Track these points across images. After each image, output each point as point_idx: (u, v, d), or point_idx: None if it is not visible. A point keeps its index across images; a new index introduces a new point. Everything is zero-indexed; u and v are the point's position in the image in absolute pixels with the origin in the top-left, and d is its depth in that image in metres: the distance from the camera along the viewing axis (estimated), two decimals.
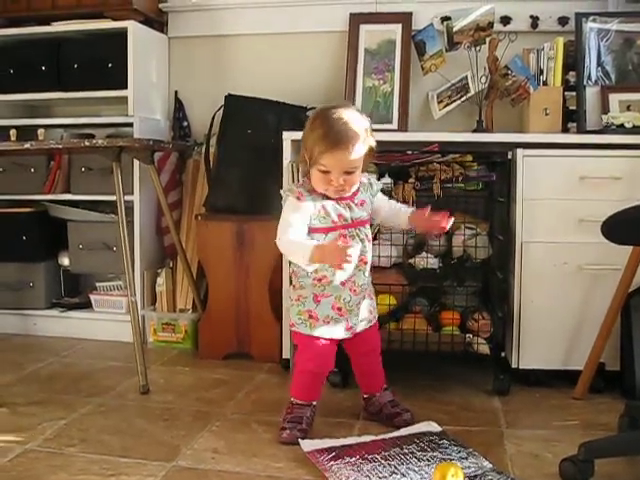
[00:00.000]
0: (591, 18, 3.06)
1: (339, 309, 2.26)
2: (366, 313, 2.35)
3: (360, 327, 2.33)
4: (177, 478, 1.95)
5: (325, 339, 2.26)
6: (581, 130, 2.99)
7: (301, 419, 2.25)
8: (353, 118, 2.14)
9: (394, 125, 3.20)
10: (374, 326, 2.41)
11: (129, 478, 1.94)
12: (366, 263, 2.27)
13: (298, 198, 2.19)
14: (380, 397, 2.41)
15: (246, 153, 3.15)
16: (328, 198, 2.21)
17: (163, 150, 3.38)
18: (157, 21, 3.62)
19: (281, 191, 2.28)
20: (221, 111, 3.27)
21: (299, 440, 2.18)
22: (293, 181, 2.82)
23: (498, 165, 2.72)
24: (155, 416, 2.44)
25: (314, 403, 2.32)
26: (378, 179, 2.71)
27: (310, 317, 2.26)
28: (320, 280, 2.24)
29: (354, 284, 2.26)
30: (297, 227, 2.18)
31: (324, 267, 2.21)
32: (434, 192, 2.68)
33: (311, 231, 2.21)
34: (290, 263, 2.34)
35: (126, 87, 3.37)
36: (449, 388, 2.75)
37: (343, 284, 2.24)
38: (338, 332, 2.28)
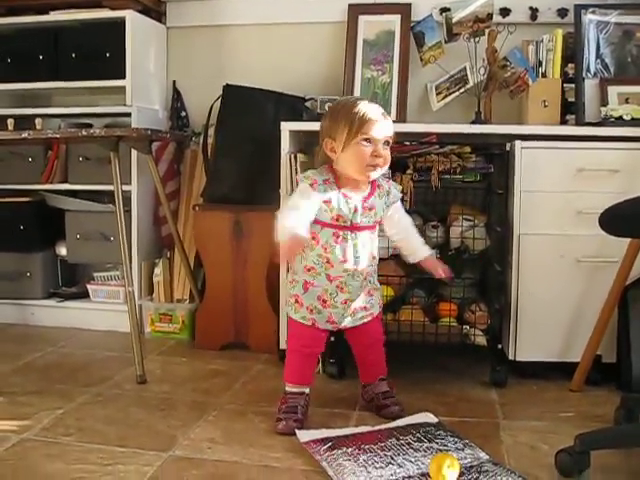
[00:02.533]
0: (590, 10, 3.05)
1: (324, 301, 2.27)
2: (359, 310, 2.34)
3: (349, 324, 2.34)
4: (173, 468, 1.95)
5: (306, 325, 2.28)
6: (579, 122, 2.98)
7: (296, 409, 2.25)
8: None
9: (392, 116, 3.19)
10: (375, 318, 2.40)
11: (125, 468, 1.94)
12: (356, 269, 2.26)
13: (312, 185, 2.20)
14: (375, 387, 2.41)
15: (244, 143, 3.14)
16: (341, 191, 2.23)
17: (161, 140, 3.37)
18: (155, 11, 3.61)
19: (297, 175, 2.33)
20: (219, 101, 3.26)
21: (295, 430, 2.18)
22: (291, 172, 2.82)
23: (496, 157, 2.72)
24: (152, 406, 2.45)
25: (307, 391, 2.32)
26: None
27: (296, 302, 2.29)
28: (309, 270, 2.26)
29: (341, 283, 2.26)
30: (300, 210, 2.17)
31: (316, 261, 2.24)
32: (432, 183, 2.68)
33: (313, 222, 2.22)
34: None
35: (124, 77, 3.36)
36: (446, 379, 2.75)
37: (330, 280, 2.25)
38: (319, 322, 2.29)
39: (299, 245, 2.13)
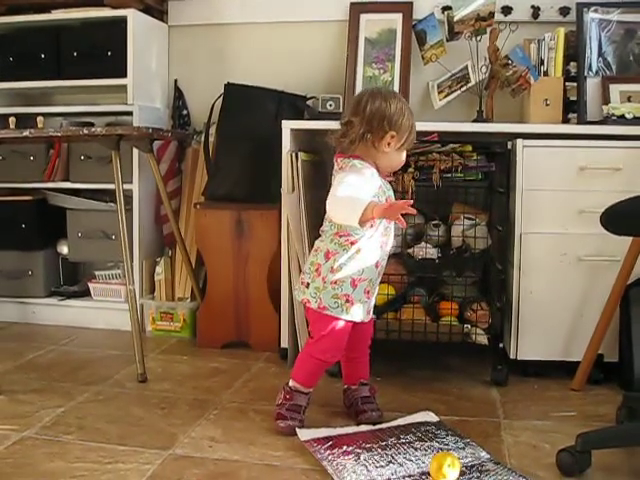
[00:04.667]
0: (592, 8, 3.05)
1: (367, 292, 2.23)
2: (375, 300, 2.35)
3: (372, 312, 2.32)
4: (174, 466, 1.95)
5: (352, 323, 2.23)
6: (581, 121, 2.98)
7: (300, 408, 2.24)
8: None
9: None
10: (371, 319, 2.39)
11: (126, 466, 1.94)
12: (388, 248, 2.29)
13: (369, 169, 2.17)
14: (355, 391, 2.37)
15: (245, 142, 3.15)
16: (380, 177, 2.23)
17: (162, 138, 3.37)
18: (157, 9, 3.61)
19: (354, 161, 2.17)
20: (221, 100, 3.25)
21: (296, 429, 2.17)
22: (292, 170, 2.82)
23: (498, 155, 2.71)
24: (153, 404, 2.45)
25: (311, 391, 2.31)
26: None
27: (347, 301, 2.21)
28: (363, 261, 2.18)
29: (382, 267, 2.26)
30: (361, 190, 2.08)
31: (373, 247, 2.19)
32: (433, 182, 2.67)
33: None
34: (328, 241, 2.23)
35: (126, 75, 3.36)
36: (447, 378, 2.75)
37: (377, 266, 2.23)
38: (363, 315, 2.25)
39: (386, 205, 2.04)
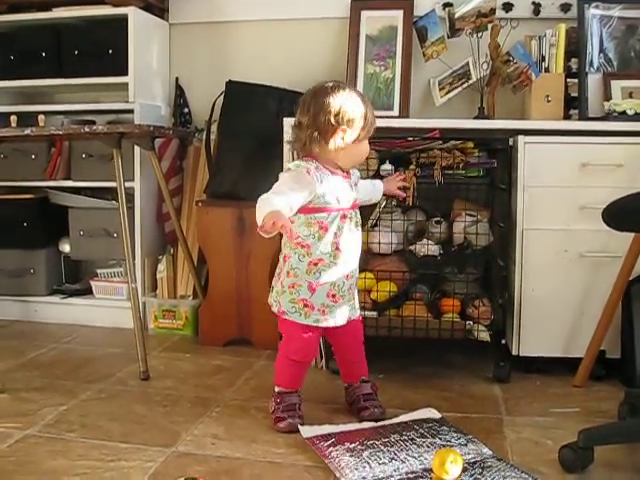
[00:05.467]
0: (593, 4, 3.04)
1: (334, 296, 2.21)
2: (355, 302, 2.33)
3: (352, 315, 2.30)
4: (176, 463, 1.95)
5: (319, 327, 2.22)
6: (583, 117, 2.97)
7: (294, 406, 2.23)
8: None
9: (395, 111, 3.18)
10: (358, 316, 2.37)
11: (128, 463, 1.95)
12: (358, 248, 2.26)
13: (307, 171, 2.11)
14: (357, 388, 2.35)
15: (247, 139, 3.15)
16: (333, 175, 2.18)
17: (164, 136, 3.37)
18: (158, 7, 3.60)
19: (288, 164, 2.20)
20: (222, 97, 3.26)
21: (298, 426, 2.17)
22: None
23: (499, 152, 2.71)
24: (155, 402, 2.45)
25: (299, 389, 2.30)
26: (379, 165, 2.72)
27: (305, 306, 2.19)
28: (316, 264, 2.17)
29: (347, 269, 2.21)
30: (287, 194, 2.05)
31: (325, 250, 2.16)
32: (435, 179, 2.67)
33: (315, 210, 2.14)
34: (283, 246, 2.26)
35: (127, 73, 3.36)
36: (449, 375, 2.75)
37: (338, 268, 2.19)
38: (332, 319, 2.23)
39: (282, 219, 1.93)
